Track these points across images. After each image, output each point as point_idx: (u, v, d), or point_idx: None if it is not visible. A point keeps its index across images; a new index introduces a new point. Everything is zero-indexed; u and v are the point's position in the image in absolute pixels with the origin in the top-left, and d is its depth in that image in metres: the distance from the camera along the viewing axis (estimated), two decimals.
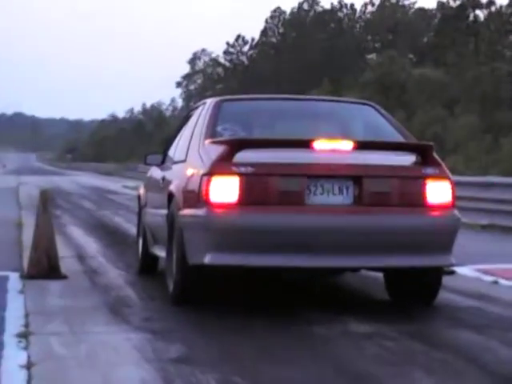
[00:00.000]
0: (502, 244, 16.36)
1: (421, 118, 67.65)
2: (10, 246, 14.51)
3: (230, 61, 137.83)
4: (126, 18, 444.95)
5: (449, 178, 8.70)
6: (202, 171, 8.53)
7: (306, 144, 8.56)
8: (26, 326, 7.85)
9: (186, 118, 11.26)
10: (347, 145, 8.60)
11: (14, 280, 10.67)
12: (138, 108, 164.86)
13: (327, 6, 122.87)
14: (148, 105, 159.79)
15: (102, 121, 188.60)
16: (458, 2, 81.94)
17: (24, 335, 7.40)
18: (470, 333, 7.84)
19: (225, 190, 8.31)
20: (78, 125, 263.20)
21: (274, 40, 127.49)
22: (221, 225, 8.31)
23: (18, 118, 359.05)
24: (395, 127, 9.84)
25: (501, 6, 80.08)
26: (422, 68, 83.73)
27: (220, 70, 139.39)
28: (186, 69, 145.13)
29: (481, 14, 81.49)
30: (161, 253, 10.10)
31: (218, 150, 8.58)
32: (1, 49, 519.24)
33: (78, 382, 6.03)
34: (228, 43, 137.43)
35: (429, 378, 6.17)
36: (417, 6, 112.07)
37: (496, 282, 10.74)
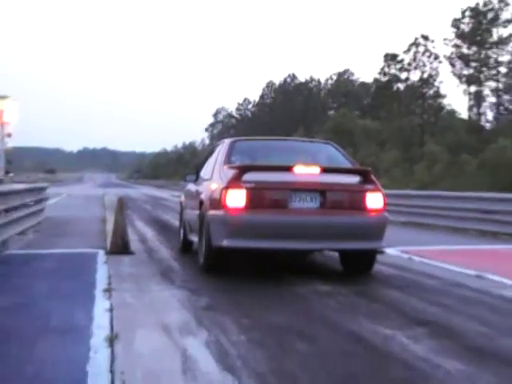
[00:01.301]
0: (415, 234, 16.37)
1: (363, 152, 67.69)
2: (98, 234, 14.52)
3: (240, 115, 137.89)
4: (174, 81, 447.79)
5: (381, 191, 8.71)
6: (221, 186, 8.54)
7: (289, 168, 8.58)
8: (109, 284, 7.87)
9: (211, 151, 11.26)
10: (316, 169, 8.63)
11: (101, 255, 10.67)
12: (179, 144, 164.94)
13: (302, 80, 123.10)
14: (186, 142, 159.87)
15: (157, 153, 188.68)
16: (386, 78, 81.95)
17: (108, 290, 7.43)
18: (395, 291, 7.83)
19: (236, 198, 8.33)
20: (142, 155, 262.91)
21: (268, 101, 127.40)
22: (233, 221, 8.32)
23: (104, 151, 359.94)
24: (346, 158, 9.85)
25: (413, 81, 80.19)
26: (364, 120, 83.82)
27: (233, 120, 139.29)
28: (211, 119, 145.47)
29: (401, 85, 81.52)
30: (194, 238, 10.09)
31: (231, 173, 8.61)
32: (92, 99, 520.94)
33: (142, 320, 6.03)
34: (238, 103, 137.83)
35: (367, 320, 6.18)
36: (360, 80, 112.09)
37: (410, 259, 10.72)
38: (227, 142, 10.23)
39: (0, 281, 8.31)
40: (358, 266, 9.22)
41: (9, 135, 26.92)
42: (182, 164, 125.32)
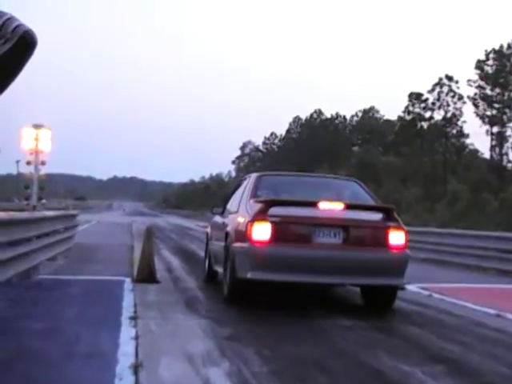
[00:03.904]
0: (435, 271, 16.26)
1: (385, 188, 67.52)
2: (126, 261, 14.58)
3: (266, 148, 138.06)
4: (202, 114, 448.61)
5: (403, 229, 8.71)
6: (247, 219, 8.57)
7: (313, 204, 8.62)
8: (135, 312, 7.88)
9: (237, 185, 11.32)
10: (339, 205, 8.65)
11: (127, 283, 10.71)
12: (207, 175, 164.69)
13: (328, 116, 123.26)
14: (213, 174, 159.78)
15: (185, 183, 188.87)
16: (410, 116, 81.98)
17: (134, 318, 7.44)
18: (415, 328, 7.78)
19: (261, 231, 8.35)
20: (169, 185, 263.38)
21: (294, 136, 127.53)
22: (258, 253, 8.34)
23: (133, 179, 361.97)
24: (370, 195, 9.88)
25: (437, 120, 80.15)
26: (387, 156, 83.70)
27: (259, 154, 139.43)
28: (238, 152, 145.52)
29: (425, 124, 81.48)
30: (219, 269, 10.11)
31: (257, 206, 8.65)
32: (122, 130, 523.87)
33: (166, 348, 6.04)
34: (265, 137, 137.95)
35: (386, 355, 6.14)
36: (385, 117, 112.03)
37: (430, 296, 10.66)
38: (254, 176, 10.28)
39: (30, 305, 8.36)
40: (378, 302, 9.17)
41: (42, 163, 27.21)
42: (208, 195, 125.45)
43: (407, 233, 8.80)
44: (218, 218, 11.40)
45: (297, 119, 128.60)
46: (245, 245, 8.46)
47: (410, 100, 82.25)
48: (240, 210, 9.42)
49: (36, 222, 11.71)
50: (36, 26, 2.53)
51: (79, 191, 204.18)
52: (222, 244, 9.70)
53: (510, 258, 15.80)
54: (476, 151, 79.93)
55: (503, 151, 74.68)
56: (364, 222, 8.75)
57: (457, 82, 78.35)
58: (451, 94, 78.87)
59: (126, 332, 6.65)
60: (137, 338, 6.38)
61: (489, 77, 73.40)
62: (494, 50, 73.58)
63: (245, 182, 10.53)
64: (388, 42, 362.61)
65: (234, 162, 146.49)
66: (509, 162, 74.82)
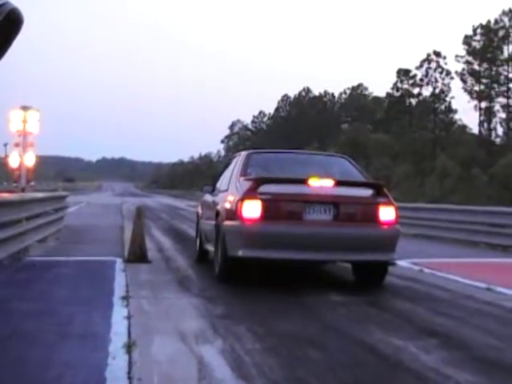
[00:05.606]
0: (425, 246, 16.30)
1: (375, 165, 67.58)
2: (116, 242, 14.56)
3: (255, 127, 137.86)
4: (191, 94, 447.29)
5: (393, 204, 8.71)
6: (237, 197, 8.56)
7: (303, 181, 8.60)
8: (127, 292, 7.88)
9: (227, 163, 11.29)
10: (329, 182, 8.64)
11: (119, 263, 10.70)
12: (196, 155, 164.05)
13: (317, 94, 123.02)
14: (202, 153, 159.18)
15: (174, 163, 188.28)
16: (399, 93, 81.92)
17: (125, 298, 7.43)
18: (405, 302, 7.82)
19: (252, 209, 8.34)
20: (159, 166, 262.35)
21: (283, 114, 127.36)
22: (249, 231, 8.33)
23: (122, 160, 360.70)
24: (360, 171, 9.86)
25: (425, 96, 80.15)
26: (376, 134, 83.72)
27: (248, 132, 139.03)
28: (227, 131, 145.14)
29: (413, 101, 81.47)
30: (210, 248, 10.10)
31: (247, 184, 8.63)
32: (111, 111, 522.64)
33: (159, 328, 6.03)
34: (254, 116, 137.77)
35: (378, 330, 6.16)
36: (373, 94, 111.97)
37: (421, 271, 10.69)
38: (243, 154, 10.26)
39: (21, 286, 8.35)
40: (370, 278, 9.19)
41: (31, 145, 27.07)
42: (198, 175, 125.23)
43: (397, 208, 8.81)
44: (208, 197, 11.38)
45: (285, 97, 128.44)
46: (235, 223, 8.46)
47: (398, 76, 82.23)
48: (230, 188, 9.40)
49: (26, 203, 11.66)
50: (22, 5, 2.50)
51: (68, 173, 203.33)
52: (213, 223, 9.68)
53: (500, 232, 15.86)
54: (464, 127, 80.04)
55: (491, 126, 74.84)
56: (354, 199, 8.74)
57: (445, 58, 78.41)
58: (439, 69, 78.90)
59: (119, 312, 6.64)
60: (129, 317, 6.37)
61: (476, 52, 73.38)
62: (481, 25, 73.50)
63: (234, 160, 10.50)
64: (375, 17, 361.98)
65: (223, 141, 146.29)
66: (497, 136, 75.04)
